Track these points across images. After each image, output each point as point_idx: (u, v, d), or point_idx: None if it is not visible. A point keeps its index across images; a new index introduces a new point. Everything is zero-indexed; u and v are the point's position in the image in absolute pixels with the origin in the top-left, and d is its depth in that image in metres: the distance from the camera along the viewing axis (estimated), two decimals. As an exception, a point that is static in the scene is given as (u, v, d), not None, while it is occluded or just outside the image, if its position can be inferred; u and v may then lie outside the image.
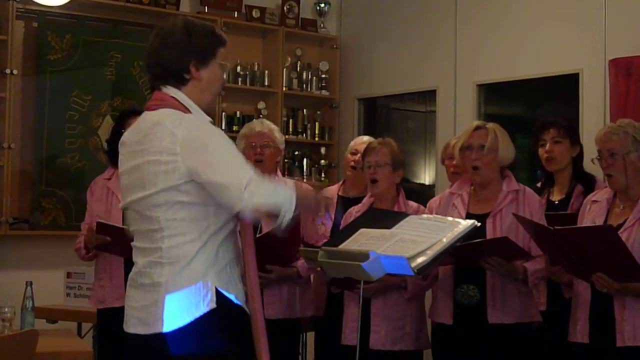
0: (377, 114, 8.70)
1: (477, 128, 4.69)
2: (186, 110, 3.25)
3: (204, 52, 3.33)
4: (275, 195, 3.11)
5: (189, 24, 3.35)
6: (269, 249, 4.50)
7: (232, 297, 3.21)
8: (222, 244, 3.22)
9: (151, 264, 3.20)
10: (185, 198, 3.15)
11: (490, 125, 4.70)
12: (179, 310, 3.14)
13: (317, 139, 8.46)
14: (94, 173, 5.98)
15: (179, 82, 3.31)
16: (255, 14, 8.15)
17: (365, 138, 6.00)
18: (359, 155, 5.75)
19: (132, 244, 3.34)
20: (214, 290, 3.16)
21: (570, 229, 4.21)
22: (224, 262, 3.21)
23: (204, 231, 3.19)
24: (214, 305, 3.15)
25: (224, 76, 3.46)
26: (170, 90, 3.31)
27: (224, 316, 3.17)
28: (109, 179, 5.36)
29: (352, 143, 6.08)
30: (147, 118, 3.28)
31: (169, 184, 3.15)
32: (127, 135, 3.36)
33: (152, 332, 3.16)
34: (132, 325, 3.25)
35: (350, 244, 3.93)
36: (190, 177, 3.13)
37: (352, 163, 5.86)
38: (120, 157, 3.37)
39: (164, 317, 3.14)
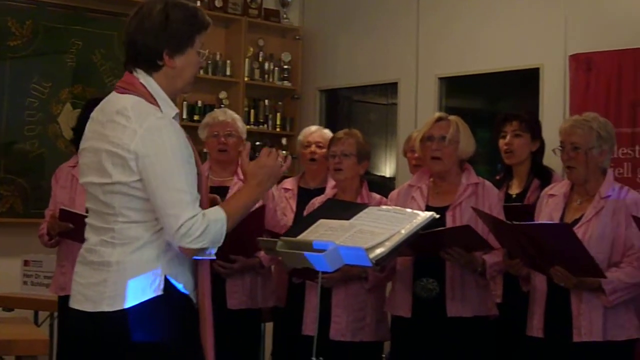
0: (339, 106, 8.70)
1: (439, 119, 4.70)
2: (154, 101, 3.16)
3: (180, 39, 3.21)
4: (203, 239, 3.08)
5: (169, 7, 3.21)
6: (233, 239, 4.48)
7: (180, 285, 3.17)
8: None
9: (102, 243, 3.17)
10: (139, 193, 3.11)
11: (452, 117, 4.72)
12: (125, 291, 3.10)
13: (278, 129, 8.44)
14: (53, 160, 5.96)
15: (151, 67, 3.22)
16: (218, 3, 8.11)
17: (314, 128, 5.99)
18: (313, 146, 5.75)
19: (86, 220, 3.30)
20: (162, 277, 3.13)
21: (529, 225, 4.24)
22: (175, 251, 3.15)
23: (157, 221, 3.14)
24: (160, 292, 3.12)
25: (201, 62, 3.35)
26: (141, 76, 3.22)
27: (169, 304, 3.14)
28: (74, 166, 5.34)
29: (301, 137, 6.03)
30: (114, 100, 3.21)
31: (122, 178, 3.10)
32: (96, 113, 3.26)
33: (97, 310, 3.13)
34: (77, 302, 3.22)
35: (309, 235, 3.92)
36: (140, 179, 3.10)
37: (310, 156, 5.83)
38: (85, 130, 3.29)
39: (110, 296, 3.11)
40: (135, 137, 3.06)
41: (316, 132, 5.89)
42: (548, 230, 4.18)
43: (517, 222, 4.16)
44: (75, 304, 3.23)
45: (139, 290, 3.10)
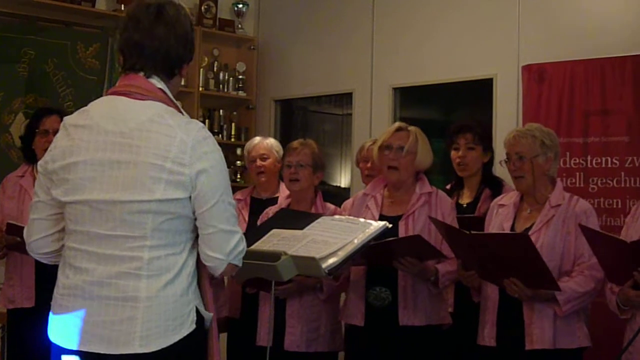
0: (294, 116, 8.70)
1: (399, 129, 4.72)
2: (177, 109, 2.98)
3: (194, 47, 3.11)
4: (240, 257, 3.04)
5: (186, 12, 3.09)
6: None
7: (203, 315, 3.01)
8: (196, 258, 3.02)
9: (121, 275, 2.87)
10: (182, 210, 2.92)
11: (412, 128, 4.73)
12: (161, 329, 2.86)
13: (233, 139, 8.43)
14: (4, 170, 5.87)
15: (169, 75, 3.04)
16: (173, 13, 8.06)
17: (257, 140, 5.90)
18: (258, 161, 5.72)
19: (75, 246, 2.96)
20: (194, 309, 2.96)
21: (487, 235, 4.26)
22: (197, 278, 3.01)
23: (186, 244, 2.98)
24: (194, 325, 2.94)
25: None
26: (157, 82, 3.01)
27: (201, 338, 2.99)
28: (22, 176, 5.28)
29: (245, 151, 5.96)
30: (133, 107, 2.95)
31: (168, 196, 2.88)
32: (96, 120, 2.96)
33: (125, 352, 2.85)
34: (91, 343, 2.89)
35: (262, 245, 3.92)
36: (192, 195, 2.91)
37: (257, 170, 5.78)
38: (78, 142, 2.95)
39: (143, 336, 2.85)
40: (187, 148, 2.87)
41: (259, 145, 5.81)
42: (506, 240, 4.19)
43: (475, 232, 4.17)
44: (89, 345, 2.90)
45: (178, 326, 2.90)
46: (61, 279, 3.00)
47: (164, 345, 2.86)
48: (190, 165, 2.87)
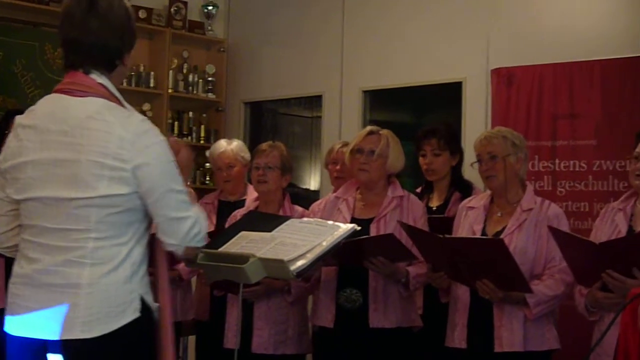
0: (264, 118, 8.69)
1: (371, 133, 4.72)
2: (118, 102, 2.98)
3: (134, 35, 3.11)
4: (204, 237, 3.09)
5: (122, 1, 3.05)
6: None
7: (150, 305, 3.02)
8: (145, 248, 3.07)
9: (67, 263, 2.92)
10: (127, 204, 2.96)
11: (384, 131, 4.73)
12: (103, 316, 2.90)
13: (202, 142, 8.39)
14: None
15: (109, 68, 3.03)
16: (142, 14, 8.05)
17: (222, 146, 5.84)
18: (224, 172, 5.69)
19: (29, 238, 3.02)
20: (138, 297, 2.98)
21: (460, 239, 4.27)
22: (145, 268, 3.04)
23: (134, 234, 3.01)
24: (138, 313, 2.96)
25: None
26: (97, 76, 3.00)
27: (145, 326, 3.00)
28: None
29: (211, 157, 5.91)
30: (74, 105, 2.96)
31: (111, 191, 2.92)
32: (40, 120, 2.99)
33: (68, 337, 2.88)
34: (38, 330, 2.94)
35: (230, 247, 3.90)
36: (138, 190, 2.95)
37: (224, 178, 5.75)
38: (25, 142, 3.00)
39: (84, 322, 2.89)
40: (125, 143, 2.89)
41: (224, 153, 5.72)
42: (480, 244, 4.20)
43: (449, 236, 4.18)
44: (32, 331, 2.95)
45: (119, 313, 2.93)
46: (16, 269, 3.07)
47: (106, 331, 2.90)
48: (130, 161, 2.91)
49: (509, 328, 4.22)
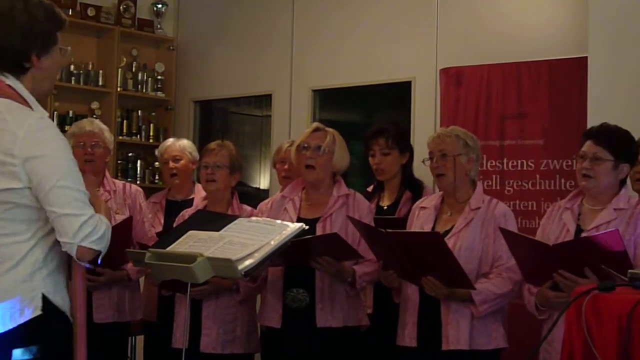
0: (213, 117, 8.66)
1: (317, 130, 4.73)
2: (25, 102, 3.01)
3: (46, 38, 3.07)
4: (103, 240, 3.00)
5: (29, 5, 3.05)
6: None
7: (58, 304, 3.03)
8: (52, 247, 3.04)
9: None
10: (20, 200, 2.96)
11: (329, 129, 4.74)
12: (1, 313, 2.92)
13: (151, 140, 8.34)
14: None
15: (18, 70, 3.05)
16: (91, 12, 7.98)
17: (169, 142, 5.92)
18: (170, 163, 5.71)
19: None
20: (40, 295, 2.98)
21: (400, 233, 4.28)
22: (52, 266, 3.03)
23: (35, 233, 3.00)
24: (39, 311, 2.96)
25: (65, 59, 3.23)
26: (7, 79, 3.04)
27: (48, 324, 2.99)
28: None
29: (158, 153, 5.97)
30: None
31: (6, 186, 2.93)
32: None
33: None
34: None
35: (178, 246, 3.89)
36: (30, 185, 2.95)
37: (169, 172, 5.78)
38: None
39: None
40: (17, 140, 2.91)
41: (171, 146, 5.83)
42: (419, 238, 4.22)
43: (390, 231, 4.19)
44: None
45: (17, 311, 2.93)
46: None
47: (5, 329, 2.91)
48: (20, 155, 2.92)
49: (455, 326, 4.25)
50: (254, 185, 8.23)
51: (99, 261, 3.08)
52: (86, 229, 2.95)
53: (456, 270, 4.10)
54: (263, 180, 8.17)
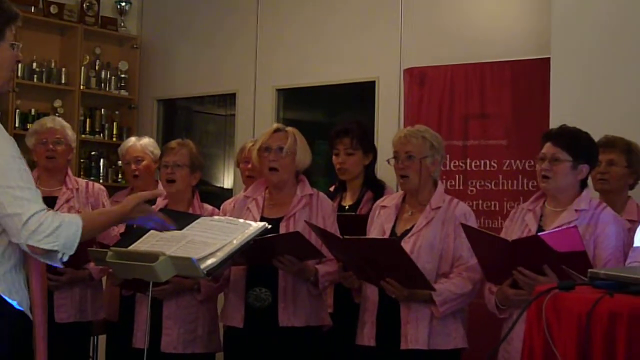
0: (177, 116, 8.63)
1: (277, 130, 4.71)
2: None
3: None
4: (55, 238, 2.95)
5: None
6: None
7: (14, 302, 3.01)
8: (7, 246, 3.03)
9: None
10: None
11: (289, 129, 4.73)
12: None
13: (115, 139, 8.28)
14: None
15: None
16: (53, 9, 7.92)
17: (131, 141, 5.90)
18: (132, 164, 5.70)
19: None
20: None
21: (358, 239, 4.29)
22: (9, 265, 3.01)
23: None
24: None
25: (18, 55, 3.17)
26: None
27: (6, 324, 2.98)
28: None
29: (120, 153, 5.95)
30: None
31: None
32: None
33: None
34: None
35: (140, 245, 3.87)
36: None
37: (132, 173, 5.77)
38: None
39: None
40: None
41: (133, 147, 5.81)
42: (377, 244, 4.23)
43: (348, 237, 4.21)
44: None
45: None
46: None
47: None
48: None
49: (414, 326, 4.26)
50: (218, 185, 8.21)
51: (62, 260, 3.04)
52: (30, 227, 2.92)
53: (415, 273, 4.12)
54: (227, 179, 8.15)
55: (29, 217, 2.92)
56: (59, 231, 2.96)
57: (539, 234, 3.97)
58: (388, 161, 4.55)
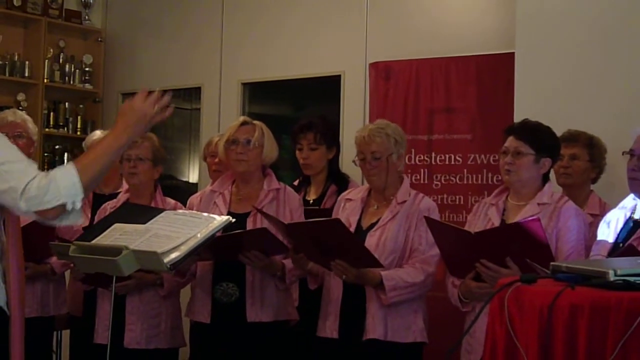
0: (142, 110, 8.55)
1: (244, 123, 4.70)
2: None
3: None
4: (54, 193, 2.89)
5: None
6: (23, 244, 4.34)
7: None
8: None
9: None
10: None
11: (257, 122, 4.72)
12: None
13: (79, 133, 8.23)
14: None
15: None
16: (17, 2, 7.86)
17: (98, 133, 5.86)
18: None
19: None
20: None
21: (302, 224, 4.34)
22: None
23: None
24: None
25: None
26: None
27: None
28: None
29: (86, 145, 5.87)
30: None
31: None
32: None
33: None
34: None
35: (104, 239, 3.85)
36: None
37: None
38: None
39: None
40: None
41: (99, 138, 5.76)
42: (320, 225, 4.24)
43: (292, 222, 4.27)
44: None
45: None
46: None
47: None
48: None
49: (372, 316, 4.27)
50: (183, 179, 8.18)
51: (76, 208, 2.98)
52: (26, 196, 2.88)
53: (361, 251, 4.16)
54: (192, 173, 8.12)
55: (23, 188, 2.87)
56: (54, 188, 2.91)
57: (502, 225, 3.99)
58: (354, 162, 4.53)
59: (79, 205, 2.97)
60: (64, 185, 2.92)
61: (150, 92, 3.14)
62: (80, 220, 3.05)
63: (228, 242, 4.26)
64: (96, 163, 3.03)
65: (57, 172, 2.95)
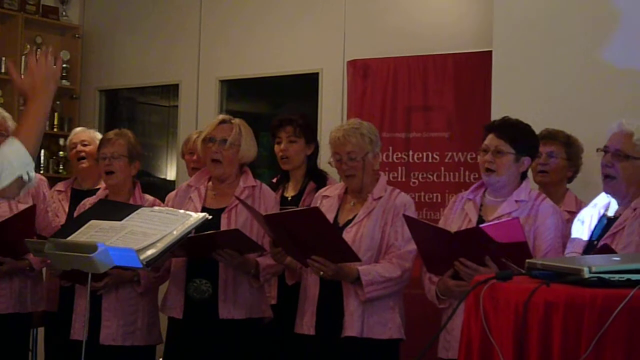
0: (120, 107, 8.56)
1: (223, 122, 4.69)
2: None
3: None
4: (10, 171, 2.97)
5: None
6: (1, 239, 4.35)
7: None
8: None
9: None
10: None
11: (235, 120, 4.70)
12: None
13: (56, 129, 8.20)
14: None
15: None
16: (-7, -3, 7.83)
17: (79, 129, 5.88)
18: (78, 146, 5.66)
19: None
20: None
21: (280, 214, 4.33)
22: None
23: None
24: None
25: None
26: None
27: None
28: None
29: (69, 140, 5.90)
30: None
31: None
32: None
33: None
34: None
35: (79, 236, 3.85)
36: None
37: (77, 155, 5.71)
38: None
39: None
40: None
41: (81, 132, 5.81)
42: (299, 215, 4.25)
43: (270, 213, 4.26)
44: None
45: None
46: None
47: None
48: None
49: (350, 313, 4.27)
50: (161, 176, 8.17)
51: (31, 177, 3.04)
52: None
53: (340, 244, 4.15)
54: (170, 171, 8.11)
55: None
56: (6, 161, 2.98)
57: (481, 225, 4.00)
58: (330, 163, 4.53)
59: (33, 173, 3.05)
60: (15, 158, 2.99)
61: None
62: (33, 184, 3.10)
63: (201, 241, 4.26)
64: (34, 131, 3.12)
65: (4, 149, 3.01)
